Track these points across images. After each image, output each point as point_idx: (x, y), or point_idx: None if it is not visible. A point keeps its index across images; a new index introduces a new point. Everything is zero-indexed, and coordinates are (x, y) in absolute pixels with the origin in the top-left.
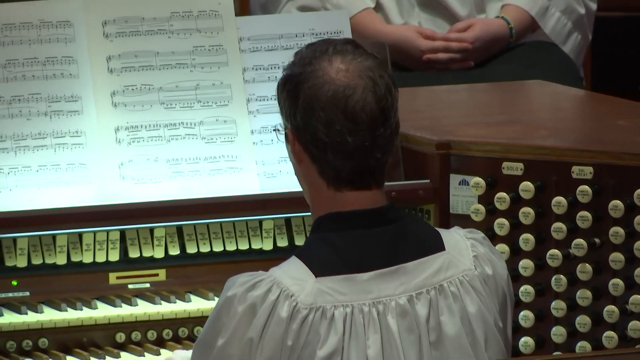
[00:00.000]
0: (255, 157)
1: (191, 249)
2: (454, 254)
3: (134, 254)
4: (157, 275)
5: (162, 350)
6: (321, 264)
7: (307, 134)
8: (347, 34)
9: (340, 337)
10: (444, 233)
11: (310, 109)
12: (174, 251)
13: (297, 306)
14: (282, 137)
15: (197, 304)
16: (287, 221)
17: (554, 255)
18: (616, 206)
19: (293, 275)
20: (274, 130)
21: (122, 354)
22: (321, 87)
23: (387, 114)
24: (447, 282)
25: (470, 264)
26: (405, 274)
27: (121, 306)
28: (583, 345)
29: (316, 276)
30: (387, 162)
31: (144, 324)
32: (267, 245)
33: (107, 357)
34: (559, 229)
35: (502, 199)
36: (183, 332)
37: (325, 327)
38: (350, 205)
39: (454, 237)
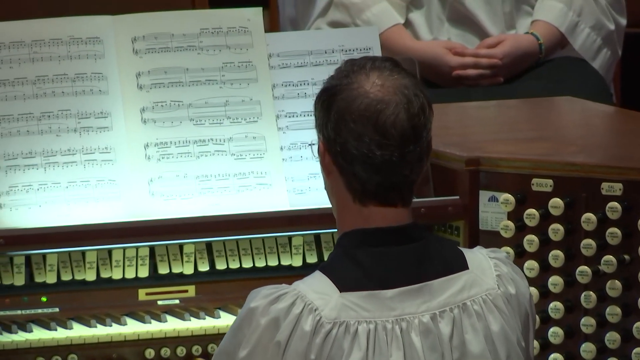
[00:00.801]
0: (284, 174)
1: (220, 265)
2: (477, 273)
3: (163, 270)
4: (186, 291)
5: None
6: (346, 280)
7: (337, 145)
8: (377, 50)
9: (364, 353)
10: (467, 252)
11: (341, 120)
12: (204, 267)
13: (321, 320)
14: (316, 151)
15: (226, 320)
16: (317, 237)
17: (583, 272)
18: None
19: (317, 289)
20: (310, 145)
21: None
22: (354, 100)
23: (418, 133)
24: (471, 301)
25: (494, 283)
26: (428, 292)
27: (150, 322)
28: None
29: (340, 291)
30: (415, 181)
31: (173, 341)
32: (297, 262)
33: None
34: (588, 245)
35: (531, 215)
36: (212, 348)
37: (348, 342)
38: (374, 221)
39: (477, 257)
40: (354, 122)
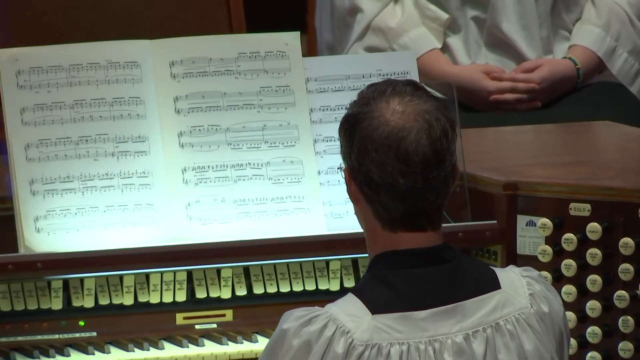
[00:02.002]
0: (322, 198)
1: (258, 290)
2: (509, 292)
3: (201, 294)
4: (224, 315)
5: None
6: (378, 302)
7: (361, 175)
8: (414, 74)
9: None
10: (499, 272)
11: (364, 149)
12: (241, 292)
13: (353, 343)
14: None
15: (264, 345)
16: (354, 262)
17: (621, 297)
18: None
19: (349, 311)
20: (339, 168)
21: None
22: (376, 129)
23: (441, 157)
24: (504, 320)
25: (527, 302)
26: (461, 313)
27: (188, 347)
28: None
29: (372, 313)
30: (442, 205)
31: None
32: (334, 286)
33: None
34: (626, 270)
35: (569, 240)
36: None
37: None
38: (405, 245)
39: (509, 276)
40: (376, 151)
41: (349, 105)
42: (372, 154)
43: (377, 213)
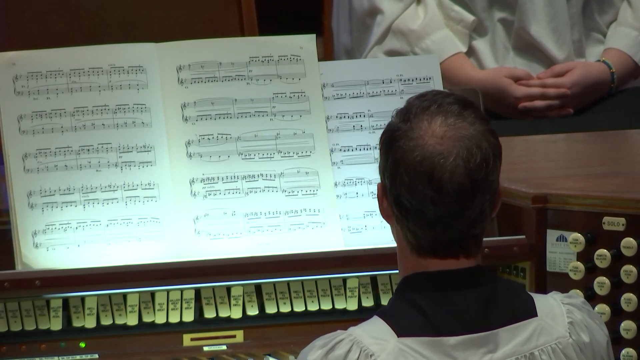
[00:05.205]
0: (339, 211)
1: (270, 309)
2: (547, 321)
3: (209, 314)
4: (234, 336)
5: None
6: (404, 324)
7: (392, 195)
8: (437, 80)
9: None
10: (537, 298)
11: (396, 170)
12: (252, 311)
13: None
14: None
15: None
16: (373, 279)
17: None
18: None
19: (374, 334)
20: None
21: None
22: (411, 150)
23: (477, 188)
24: (539, 350)
25: (565, 331)
26: (493, 342)
27: None
28: None
29: (398, 336)
30: (479, 234)
31: None
32: (352, 305)
33: None
34: None
35: (602, 256)
36: None
37: None
38: (435, 268)
39: (548, 303)
40: (408, 175)
41: (395, 111)
42: (403, 177)
43: (406, 237)
